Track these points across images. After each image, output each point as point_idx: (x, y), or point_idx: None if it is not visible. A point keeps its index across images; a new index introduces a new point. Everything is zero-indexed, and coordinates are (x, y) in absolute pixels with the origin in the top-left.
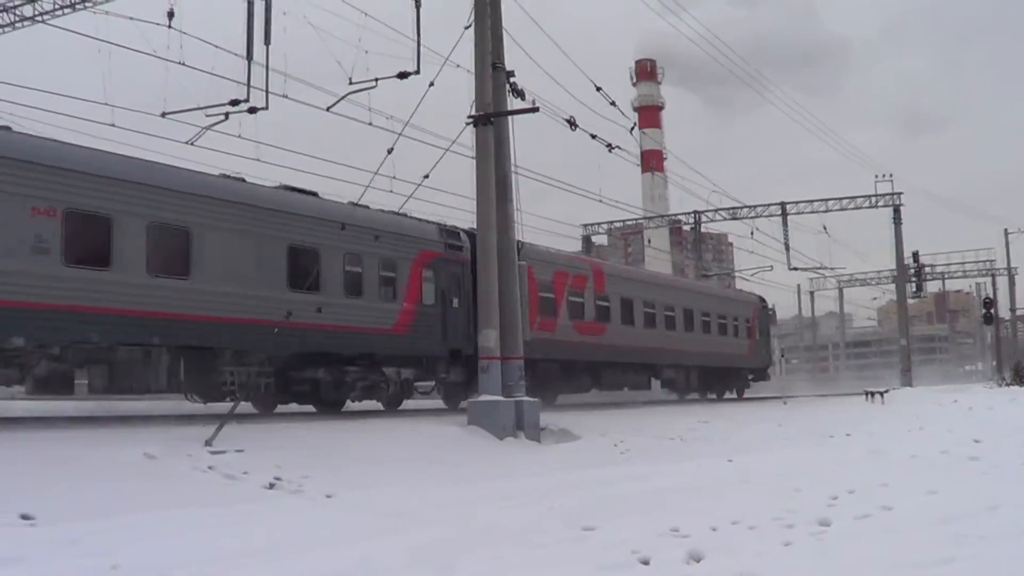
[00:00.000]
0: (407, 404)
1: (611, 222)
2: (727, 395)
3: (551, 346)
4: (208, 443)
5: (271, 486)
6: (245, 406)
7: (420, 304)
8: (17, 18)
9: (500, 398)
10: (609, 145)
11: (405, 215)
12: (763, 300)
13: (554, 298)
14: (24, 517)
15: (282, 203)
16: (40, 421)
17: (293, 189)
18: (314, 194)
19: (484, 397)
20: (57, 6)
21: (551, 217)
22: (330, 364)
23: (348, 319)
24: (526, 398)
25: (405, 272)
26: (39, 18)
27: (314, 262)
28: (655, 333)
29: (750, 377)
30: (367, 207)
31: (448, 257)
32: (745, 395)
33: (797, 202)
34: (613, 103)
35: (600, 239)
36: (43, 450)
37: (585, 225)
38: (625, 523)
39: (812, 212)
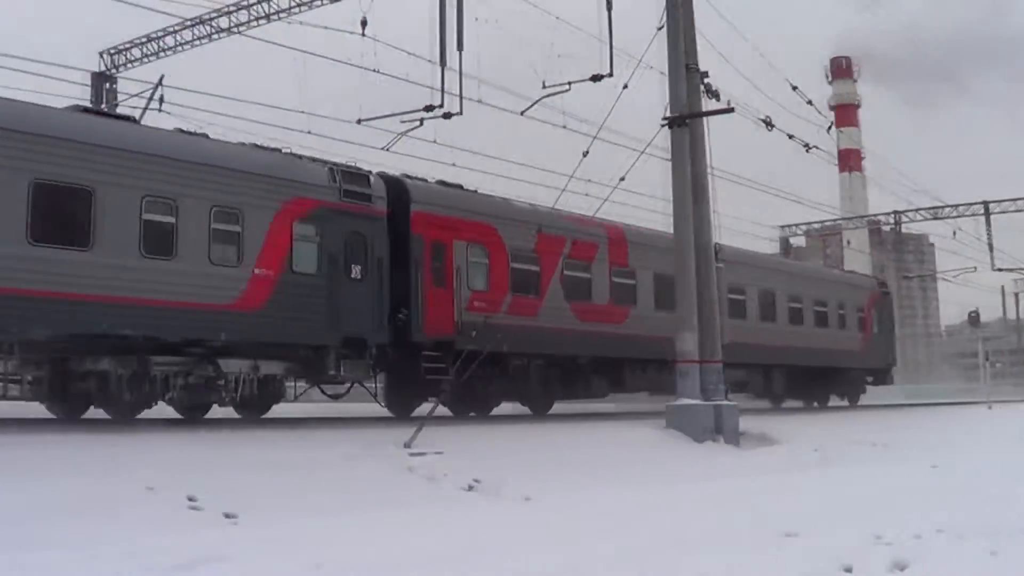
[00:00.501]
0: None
1: (809, 223)
2: (833, 402)
3: (531, 335)
4: (407, 445)
5: (470, 488)
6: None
7: (288, 272)
8: (214, 30)
9: (699, 402)
10: (806, 145)
11: (278, 150)
12: (883, 284)
13: (537, 271)
14: (227, 516)
15: (16, 120)
16: (242, 422)
17: (90, 111)
18: (131, 120)
19: (683, 401)
20: (252, 17)
21: (746, 218)
22: (128, 353)
23: (145, 288)
24: (725, 402)
25: (261, 226)
26: (235, 30)
27: (83, 207)
28: None
29: (868, 380)
30: (204, 136)
31: (345, 209)
32: (860, 402)
33: (1000, 200)
34: (810, 102)
35: (798, 241)
36: (246, 450)
37: (782, 227)
38: (827, 529)
39: (1016, 211)
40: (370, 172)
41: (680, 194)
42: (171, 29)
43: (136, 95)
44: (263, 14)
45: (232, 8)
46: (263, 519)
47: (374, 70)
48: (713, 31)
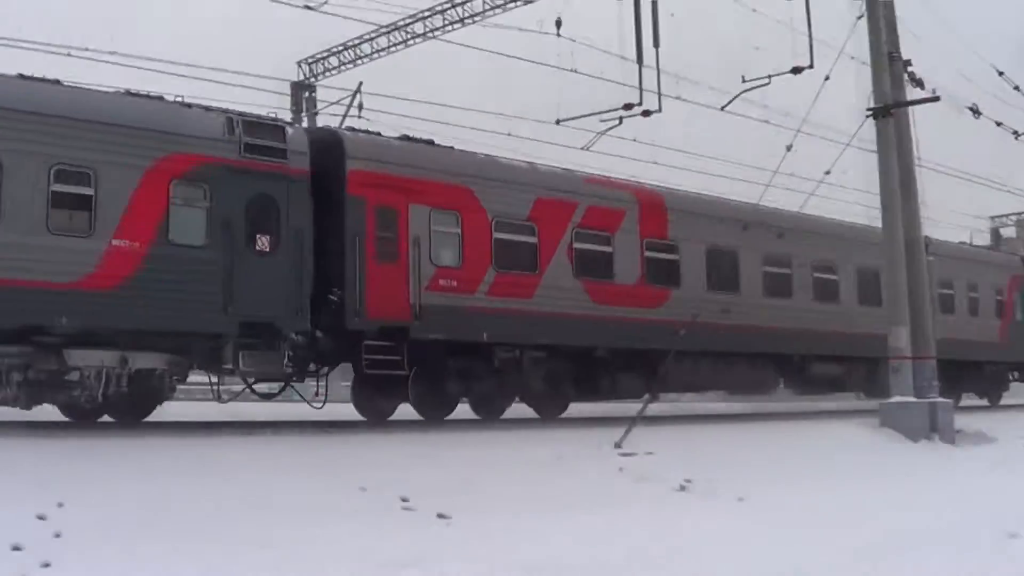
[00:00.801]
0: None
1: (1019, 213)
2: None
3: (523, 321)
4: (618, 445)
5: (682, 488)
6: None
7: (161, 243)
8: (409, 36)
9: (912, 399)
10: (1015, 132)
11: (159, 98)
12: None
13: (534, 243)
14: (440, 516)
15: None
16: (457, 423)
17: None
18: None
19: (896, 398)
20: (447, 22)
21: (952, 209)
22: None
23: None
24: (939, 399)
25: (123, 188)
26: (430, 35)
27: None
28: (790, 306)
29: (1013, 376)
30: (56, 82)
31: (248, 167)
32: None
33: None
34: (1017, 87)
35: (1008, 231)
36: (456, 450)
37: (992, 217)
38: None
39: None
40: (288, 123)
41: (887, 186)
42: (367, 36)
43: (335, 103)
44: (457, 18)
45: (427, 13)
46: (476, 519)
47: (571, 70)
48: (913, 17)
